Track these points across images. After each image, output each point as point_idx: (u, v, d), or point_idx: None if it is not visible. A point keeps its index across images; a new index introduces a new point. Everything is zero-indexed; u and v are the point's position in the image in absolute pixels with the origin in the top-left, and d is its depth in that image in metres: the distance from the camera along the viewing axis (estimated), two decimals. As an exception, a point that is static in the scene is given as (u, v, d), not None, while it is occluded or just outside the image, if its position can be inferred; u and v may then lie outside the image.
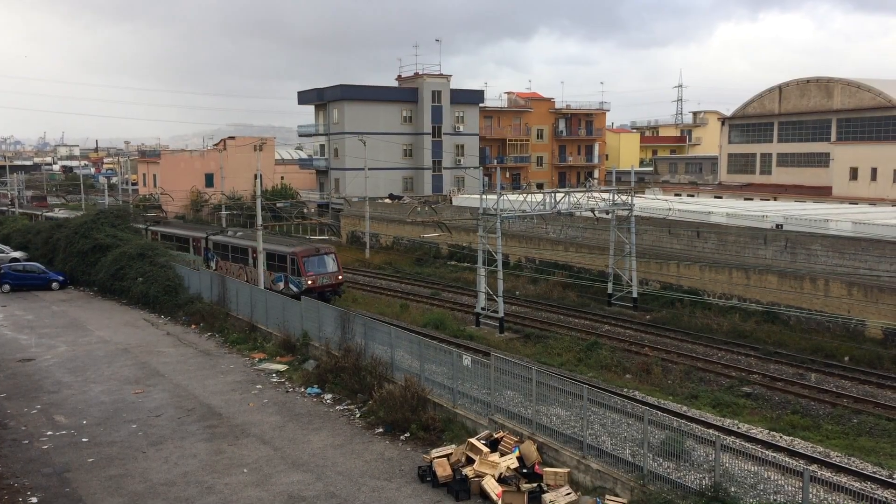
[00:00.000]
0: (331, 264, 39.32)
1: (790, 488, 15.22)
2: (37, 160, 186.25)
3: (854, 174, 60.97)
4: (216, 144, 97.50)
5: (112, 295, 42.94)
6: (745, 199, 63.88)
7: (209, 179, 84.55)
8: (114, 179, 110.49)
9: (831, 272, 32.94)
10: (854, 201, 56.64)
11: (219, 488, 18.38)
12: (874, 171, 59.49)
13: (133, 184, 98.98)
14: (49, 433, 22.18)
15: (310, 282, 37.81)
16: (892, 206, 52.54)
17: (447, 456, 18.92)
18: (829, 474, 17.27)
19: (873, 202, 55.58)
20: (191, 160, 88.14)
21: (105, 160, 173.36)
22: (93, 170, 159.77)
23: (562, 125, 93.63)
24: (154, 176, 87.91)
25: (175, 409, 24.27)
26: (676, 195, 65.61)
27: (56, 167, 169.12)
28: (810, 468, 15.84)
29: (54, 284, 46.33)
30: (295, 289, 37.68)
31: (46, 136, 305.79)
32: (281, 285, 39.12)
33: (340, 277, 39.85)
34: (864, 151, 61.28)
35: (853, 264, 32.41)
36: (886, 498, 13.50)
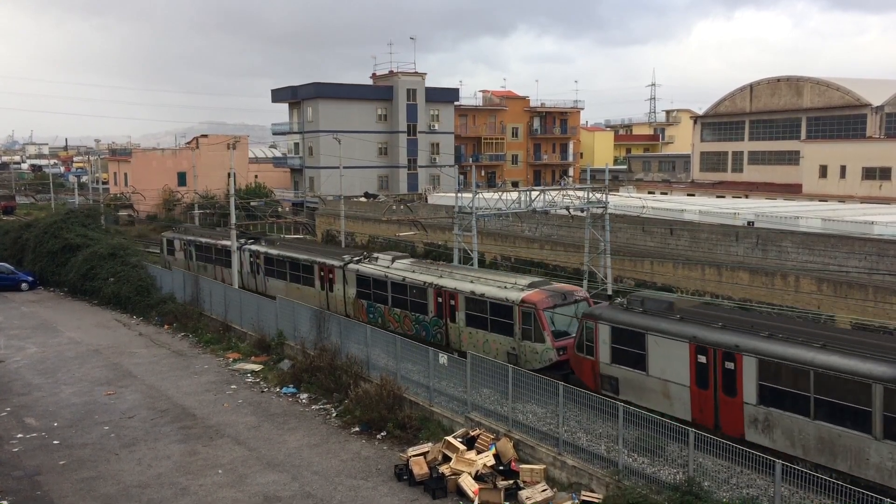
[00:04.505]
0: None
1: (762, 482, 15.44)
2: (5, 159, 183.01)
3: (823, 172, 61.87)
4: (188, 143, 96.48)
5: (83, 295, 42.34)
6: (718, 196, 64.55)
7: (182, 178, 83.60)
8: (84, 178, 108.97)
9: (801, 268, 33.42)
10: (823, 198, 57.48)
11: (193, 490, 18.22)
12: (843, 168, 60.41)
13: (104, 183, 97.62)
14: (19, 436, 21.84)
15: None
16: (861, 203, 53.41)
17: (424, 454, 18.93)
18: (801, 468, 17.50)
19: (842, 199, 56.44)
20: (163, 159, 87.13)
21: (75, 159, 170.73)
22: (62, 168, 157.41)
23: (537, 123, 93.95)
24: (125, 175, 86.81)
25: (148, 410, 24.00)
26: (650, 193, 66.12)
27: (25, 166, 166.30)
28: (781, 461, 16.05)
29: (24, 285, 45.56)
30: None
31: (15, 135, 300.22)
32: None
33: None
34: (834, 149, 62.21)
35: (823, 260, 32.90)
36: (855, 491, 13.73)
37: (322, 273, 33.23)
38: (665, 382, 19.24)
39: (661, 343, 19.23)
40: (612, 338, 20.50)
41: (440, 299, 26.72)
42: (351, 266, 31.50)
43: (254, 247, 39.16)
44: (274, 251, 37.33)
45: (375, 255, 32.01)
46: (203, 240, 43.72)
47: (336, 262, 32.40)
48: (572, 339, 22.78)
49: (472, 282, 26.13)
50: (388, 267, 29.96)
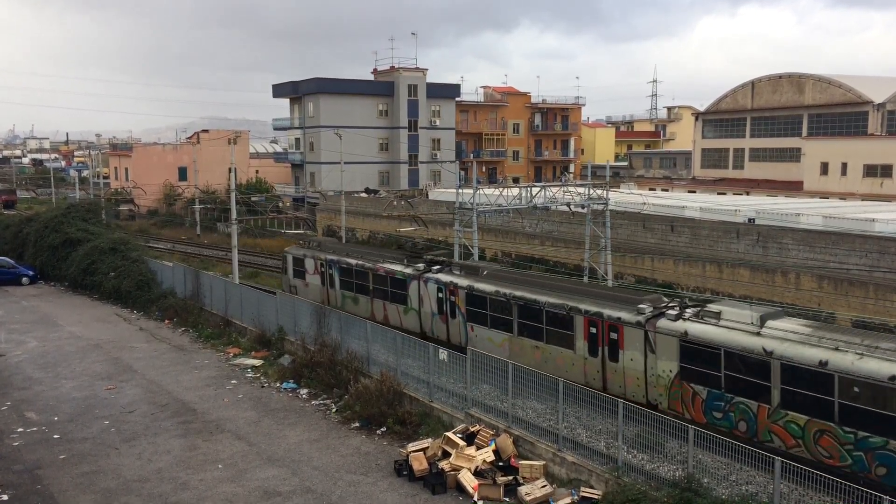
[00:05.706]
0: None
1: (761, 479, 15.46)
2: (6, 153, 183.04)
3: (825, 169, 61.81)
4: (189, 138, 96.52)
5: (83, 290, 42.36)
6: (719, 193, 64.51)
7: (182, 173, 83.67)
8: (85, 173, 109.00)
9: (802, 265, 33.40)
10: (825, 196, 57.44)
11: (193, 484, 18.25)
12: (844, 165, 60.36)
13: (104, 177, 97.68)
14: (20, 430, 21.86)
15: None
16: (862, 200, 53.36)
17: (423, 450, 18.93)
18: (800, 464, 17.51)
19: (843, 197, 56.40)
20: (163, 154, 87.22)
21: (76, 153, 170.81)
22: (63, 163, 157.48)
23: (538, 120, 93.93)
24: (126, 169, 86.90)
25: (148, 405, 24.02)
26: (651, 190, 66.11)
27: (26, 160, 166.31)
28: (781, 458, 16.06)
29: (24, 279, 45.57)
30: None
31: (16, 129, 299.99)
32: None
33: None
34: (835, 147, 62.15)
35: (823, 258, 32.89)
36: (854, 488, 13.74)
37: (594, 329, 20.70)
38: None
39: None
40: None
41: None
42: (665, 324, 18.85)
43: (444, 276, 26.76)
44: (487, 286, 24.64)
45: (711, 305, 19.01)
46: (353, 261, 31.68)
47: (627, 315, 19.88)
48: None
49: None
50: (756, 332, 17.24)
